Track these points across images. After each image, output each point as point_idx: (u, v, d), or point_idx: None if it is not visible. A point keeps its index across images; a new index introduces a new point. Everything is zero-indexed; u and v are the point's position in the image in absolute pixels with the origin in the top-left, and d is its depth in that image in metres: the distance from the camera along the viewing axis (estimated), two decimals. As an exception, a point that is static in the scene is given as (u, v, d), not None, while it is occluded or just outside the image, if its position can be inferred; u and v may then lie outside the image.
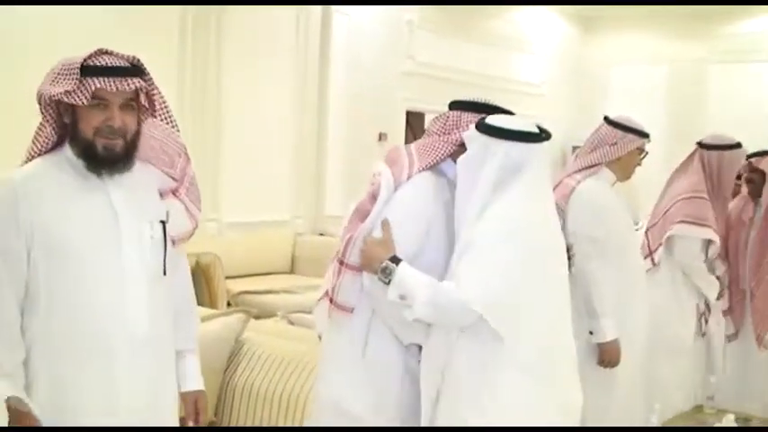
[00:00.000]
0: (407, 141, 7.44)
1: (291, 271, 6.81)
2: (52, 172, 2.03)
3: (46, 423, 1.98)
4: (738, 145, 3.70)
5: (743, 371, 3.88)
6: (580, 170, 3.27)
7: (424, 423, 2.14)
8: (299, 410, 2.78)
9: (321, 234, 7.10)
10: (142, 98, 2.07)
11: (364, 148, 7.30)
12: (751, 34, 9.09)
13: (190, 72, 6.15)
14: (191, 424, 2.25)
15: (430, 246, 2.18)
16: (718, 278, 3.71)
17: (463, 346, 2.05)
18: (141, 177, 2.12)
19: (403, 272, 2.04)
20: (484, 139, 2.09)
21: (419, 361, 2.22)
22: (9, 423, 1.95)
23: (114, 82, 1.97)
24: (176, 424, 2.21)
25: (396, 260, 2.06)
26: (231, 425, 2.95)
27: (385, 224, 2.13)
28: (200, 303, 2.48)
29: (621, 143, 3.25)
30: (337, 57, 7.32)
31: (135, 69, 2.01)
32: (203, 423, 2.29)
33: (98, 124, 1.99)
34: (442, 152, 2.24)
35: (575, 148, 7.99)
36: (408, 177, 2.21)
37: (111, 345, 2.00)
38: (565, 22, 10.04)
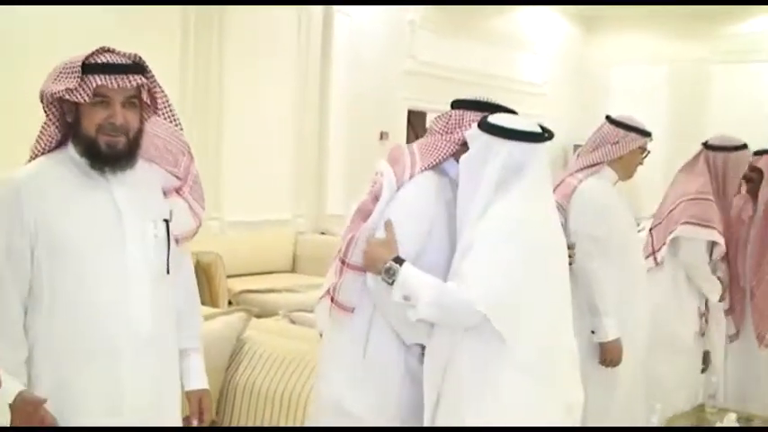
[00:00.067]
0: (409, 140, 7.44)
1: (293, 270, 6.82)
2: (56, 170, 2.03)
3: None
4: (744, 146, 3.69)
5: (744, 370, 3.88)
6: (582, 169, 3.27)
7: (426, 423, 2.14)
8: (300, 409, 2.78)
9: (322, 233, 7.11)
10: (144, 95, 2.07)
11: (366, 148, 7.30)
12: (752, 34, 9.09)
13: (192, 72, 6.16)
14: (195, 423, 2.25)
15: (432, 246, 2.17)
16: (719, 279, 3.71)
17: (466, 345, 2.05)
18: (145, 176, 2.12)
19: (407, 272, 2.03)
20: (486, 138, 2.09)
21: (420, 361, 2.22)
22: (12, 423, 1.94)
23: (115, 79, 1.97)
24: (180, 423, 2.21)
25: (399, 261, 2.05)
26: (232, 424, 2.95)
27: (388, 225, 2.13)
28: (201, 302, 2.48)
29: (623, 142, 3.25)
30: (339, 56, 7.32)
31: (137, 66, 2.02)
32: (208, 421, 2.29)
33: (100, 121, 1.99)
34: (445, 151, 2.24)
35: (576, 147, 7.98)
36: (410, 177, 2.20)
37: (115, 344, 2.00)
38: (566, 22, 10.04)
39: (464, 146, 2.18)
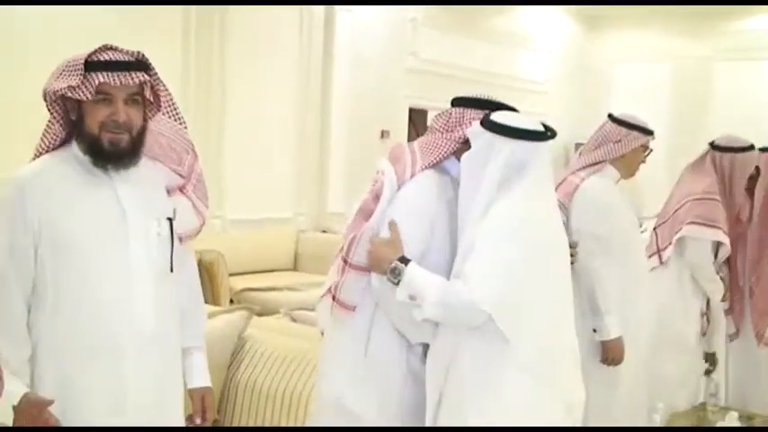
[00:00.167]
0: (410, 139, 7.42)
1: (294, 268, 6.82)
2: (60, 168, 2.03)
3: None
4: (751, 147, 3.68)
5: (744, 369, 3.88)
6: (584, 167, 3.26)
7: (428, 422, 2.13)
8: (301, 408, 2.78)
9: (324, 231, 7.11)
10: (147, 93, 2.06)
11: (367, 146, 7.30)
12: (755, 31, 9.07)
13: (193, 71, 6.16)
14: (198, 421, 2.25)
15: (434, 245, 2.17)
16: (722, 279, 3.71)
17: (468, 345, 2.04)
18: (149, 174, 2.12)
19: (412, 272, 2.03)
20: (488, 136, 2.08)
21: (422, 360, 2.21)
22: (15, 424, 1.94)
23: (118, 76, 1.97)
24: (182, 421, 2.21)
25: (404, 260, 2.05)
26: (234, 422, 2.95)
27: (392, 224, 2.12)
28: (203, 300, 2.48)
29: (626, 140, 3.24)
30: (340, 54, 7.32)
31: (139, 64, 2.01)
32: (210, 420, 2.29)
33: (103, 119, 1.99)
34: (445, 150, 2.23)
35: (578, 145, 7.97)
36: (411, 175, 2.20)
37: (118, 342, 2.00)
38: (569, 20, 10.03)
39: (465, 144, 2.18)
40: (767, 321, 3.69)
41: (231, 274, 5.78)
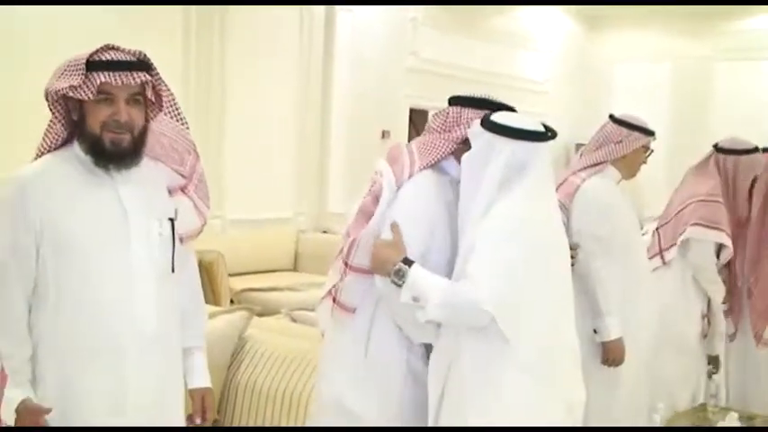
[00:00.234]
0: (411, 139, 7.38)
1: (294, 268, 6.82)
2: (61, 168, 2.03)
3: (53, 419, 1.98)
4: (755, 149, 3.67)
5: (744, 369, 3.87)
6: (585, 168, 3.26)
7: (430, 422, 2.13)
8: (301, 408, 2.78)
9: (324, 231, 7.11)
10: (149, 93, 2.06)
11: (367, 146, 7.30)
12: (755, 31, 9.07)
13: (193, 71, 6.16)
14: (198, 421, 2.25)
15: (434, 245, 2.17)
16: (723, 281, 3.71)
17: (468, 345, 2.04)
18: (150, 174, 2.12)
19: (416, 273, 2.03)
20: (489, 136, 2.08)
21: (422, 360, 2.21)
22: (15, 424, 1.96)
23: (120, 76, 1.97)
24: (183, 422, 2.21)
25: (408, 262, 2.05)
26: (234, 422, 2.95)
27: (394, 226, 2.11)
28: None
29: (627, 141, 3.24)
30: (341, 54, 7.31)
31: (141, 64, 2.01)
32: (210, 420, 2.29)
33: (104, 119, 1.99)
34: (443, 150, 2.22)
35: (578, 145, 7.98)
36: (410, 176, 2.19)
37: (120, 342, 2.00)
38: (569, 20, 10.03)
39: (463, 144, 2.17)
40: (766, 322, 3.69)
41: (231, 275, 5.78)
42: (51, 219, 1.98)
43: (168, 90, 2.13)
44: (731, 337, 3.85)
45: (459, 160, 2.21)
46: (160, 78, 2.08)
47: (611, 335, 3.11)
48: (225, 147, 6.39)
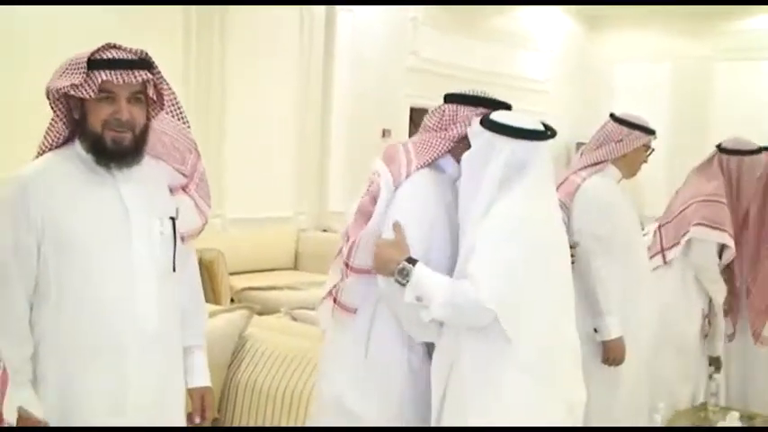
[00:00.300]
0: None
1: (295, 267, 6.82)
2: (63, 167, 2.03)
3: (54, 418, 1.99)
4: (759, 150, 3.67)
5: (744, 369, 3.87)
6: (586, 167, 3.26)
7: (433, 422, 2.13)
8: (302, 407, 2.78)
9: (324, 230, 7.11)
10: (150, 91, 2.06)
11: (368, 145, 7.29)
12: (755, 31, 9.07)
13: (194, 70, 6.16)
14: (197, 420, 2.25)
15: (434, 244, 2.16)
16: (725, 281, 3.71)
17: (468, 345, 2.04)
18: (152, 173, 2.12)
19: (419, 273, 2.02)
20: (489, 135, 2.08)
21: (423, 360, 2.21)
22: (17, 424, 1.97)
23: (121, 74, 1.97)
24: (183, 421, 2.21)
25: (412, 261, 2.04)
26: (234, 421, 2.95)
27: (396, 225, 2.10)
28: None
29: (627, 140, 3.24)
30: (341, 53, 7.31)
31: (142, 62, 2.01)
32: (210, 419, 2.29)
33: (106, 117, 1.99)
34: (440, 149, 2.21)
35: (579, 144, 7.97)
36: (407, 175, 2.18)
37: (121, 341, 2.00)
38: (569, 19, 10.02)
39: (459, 142, 2.17)
40: (764, 320, 3.69)
41: (231, 273, 5.78)
42: (53, 217, 1.97)
43: (170, 89, 2.13)
44: (730, 337, 3.85)
45: (455, 158, 2.20)
46: (162, 77, 2.08)
47: (612, 334, 3.11)
48: (225, 146, 6.39)
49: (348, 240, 2.20)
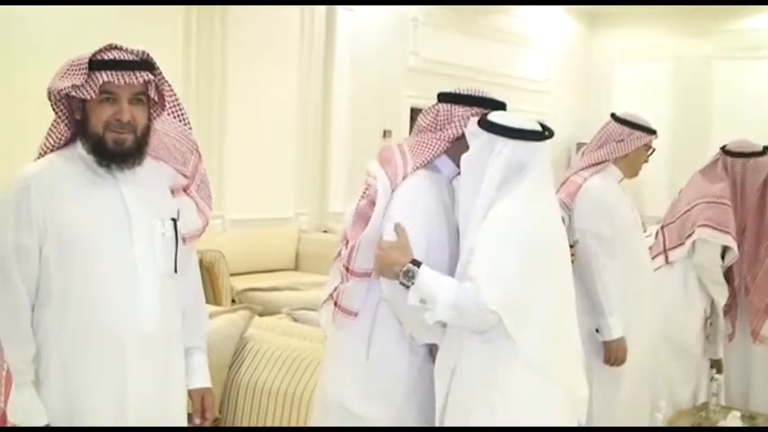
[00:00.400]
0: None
1: (295, 268, 6.81)
2: (65, 168, 2.03)
3: (56, 419, 1.99)
4: (763, 152, 3.66)
5: (744, 369, 3.87)
6: (587, 167, 3.26)
7: (437, 422, 2.13)
8: (303, 407, 2.78)
9: (325, 231, 7.10)
10: (152, 92, 2.06)
11: (368, 145, 7.26)
12: (756, 30, 9.07)
13: (194, 69, 6.16)
14: (198, 421, 2.25)
15: (433, 245, 2.16)
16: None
17: (473, 345, 2.04)
18: (153, 174, 2.12)
19: (424, 275, 2.01)
20: (487, 137, 2.07)
21: (425, 361, 2.21)
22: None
23: (122, 75, 1.97)
24: (185, 421, 2.21)
25: (416, 263, 2.03)
26: (236, 422, 2.95)
27: (399, 228, 2.09)
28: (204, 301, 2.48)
29: (629, 140, 3.24)
30: (342, 53, 7.31)
31: (144, 63, 2.01)
32: (210, 420, 2.29)
33: (107, 118, 1.99)
34: (436, 149, 2.20)
35: (579, 144, 7.97)
36: (404, 177, 2.17)
37: (122, 342, 2.00)
38: (570, 19, 10.02)
39: (455, 142, 2.17)
40: (763, 319, 3.68)
41: (232, 274, 5.78)
42: (55, 218, 1.97)
43: (171, 90, 2.13)
44: (730, 337, 3.85)
45: (452, 158, 2.20)
46: (163, 78, 2.08)
47: (614, 334, 3.10)
48: (226, 146, 6.39)
49: (347, 244, 2.19)
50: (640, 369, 3.23)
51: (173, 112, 2.17)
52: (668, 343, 3.54)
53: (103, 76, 1.96)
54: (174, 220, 2.11)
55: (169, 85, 2.11)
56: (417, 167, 2.18)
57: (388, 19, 7.73)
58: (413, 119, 8.19)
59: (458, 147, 2.15)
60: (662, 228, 3.77)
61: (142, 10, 5.54)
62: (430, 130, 2.23)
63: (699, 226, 3.57)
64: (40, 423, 1.98)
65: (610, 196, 3.20)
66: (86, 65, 1.96)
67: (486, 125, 2.09)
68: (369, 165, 2.25)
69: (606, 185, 3.21)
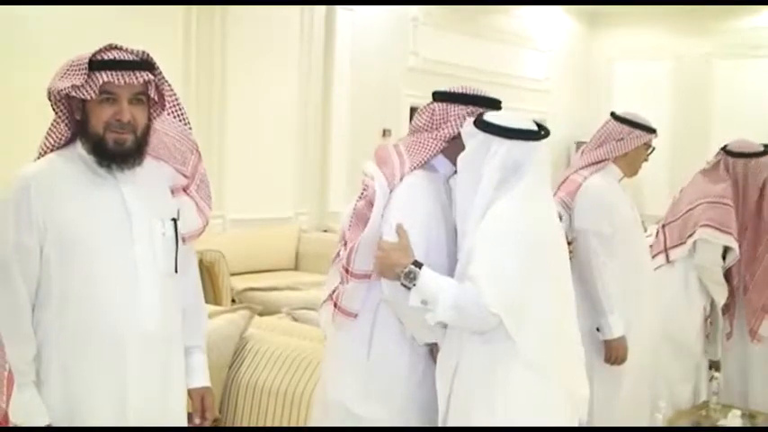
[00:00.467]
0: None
1: (296, 268, 6.81)
2: (65, 168, 2.03)
3: (58, 419, 1.99)
4: (764, 152, 3.66)
5: (742, 367, 3.87)
6: (587, 166, 3.26)
7: (440, 422, 2.13)
8: (303, 406, 2.78)
9: (325, 231, 7.10)
10: (152, 92, 2.06)
11: (368, 145, 7.24)
12: (756, 29, 9.07)
13: (194, 69, 6.16)
14: (197, 421, 2.25)
15: (432, 245, 2.15)
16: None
17: (473, 345, 2.04)
18: (153, 174, 2.12)
19: (425, 276, 2.01)
20: (483, 137, 2.07)
21: (425, 361, 2.21)
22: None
23: (122, 76, 1.97)
24: (185, 422, 2.21)
25: (417, 264, 2.03)
26: (236, 421, 2.95)
27: (400, 229, 2.09)
28: (204, 300, 2.48)
29: (628, 139, 3.24)
30: (342, 52, 7.31)
31: (144, 63, 2.01)
32: (210, 419, 2.29)
33: (107, 119, 1.99)
34: (433, 149, 2.20)
35: (579, 143, 7.97)
36: (401, 177, 2.16)
37: (123, 342, 2.00)
38: (570, 18, 10.02)
39: (451, 141, 2.16)
40: (760, 318, 3.69)
41: (232, 274, 5.78)
42: (55, 218, 1.97)
43: (171, 89, 2.13)
44: (728, 336, 3.85)
45: (448, 157, 2.20)
46: (163, 78, 2.08)
47: (614, 333, 3.10)
48: (226, 146, 6.39)
49: (346, 245, 2.19)
50: (641, 368, 3.23)
51: (173, 112, 2.17)
52: (668, 342, 3.55)
53: (103, 77, 1.96)
54: (175, 220, 2.11)
55: (169, 85, 2.11)
56: (415, 167, 2.18)
57: (388, 19, 7.73)
58: (413, 118, 8.21)
59: (454, 146, 2.15)
60: (663, 227, 3.77)
61: (142, 10, 5.54)
62: (426, 130, 2.22)
63: (701, 226, 3.57)
64: (41, 423, 1.98)
65: (610, 195, 3.20)
66: (86, 65, 1.96)
67: (481, 125, 2.08)
68: (365, 165, 2.24)
69: (606, 184, 3.21)
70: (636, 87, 9.50)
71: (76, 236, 1.98)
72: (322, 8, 7.11)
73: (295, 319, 3.79)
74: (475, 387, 2.04)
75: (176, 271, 2.10)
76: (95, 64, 1.96)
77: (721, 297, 3.68)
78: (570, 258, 2.29)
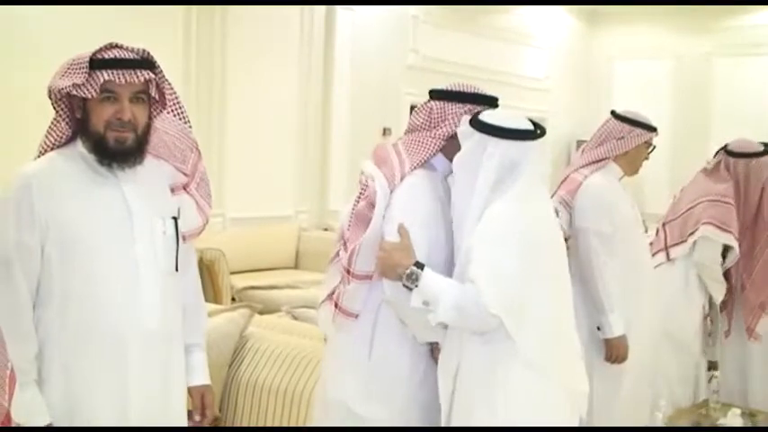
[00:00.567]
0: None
1: (296, 266, 6.81)
2: (66, 166, 2.03)
3: (59, 418, 1.99)
4: (765, 152, 3.66)
5: (741, 366, 3.87)
6: (587, 165, 3.26)
7: (443, 422, 2.13)
8: (303, 405, 2.78)
9: (325, 229, 7.10)
10: (153, 91, 2.06)
11: (368, 143, 7.24)
12: (756, 27, 9.05)
13: (194, 68, 6.16)
14: (198, 419, 2.25)
15: (432, 245, 2.14)
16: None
17: (474, 345, 2.05)
18: (154, 173, 2.12)
19: (427, 277, 2.01)
20: (479, 137, 2.06)
21: (426, 362, 2.21)
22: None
23: (123, 74, 1.97)
24: (185, 420, 2.21)
25: (419, 265, 2.03)
26: (236, 420, 2.95)
27: (402, 229, 2.09)
28: (204, 299, 2.48)
29: (629, 137, 3.24)
30: (342, 51, 7.31)
31: (144, 62, 2.01)
32: (210, 417, 2.29)
33: (108, 117, 1.99)
34: (432, 148, 2.19)
35: (579, 142, 7.97)
36: (401, 177, 2.16)
37: (124, 340, 2.00)
38: (570, 17, 10.01)
39: (450, 140, 2.16)
40: (757, 316, 3.69)
41: (232, 273, 5.78)
42: (56, 217, 1.97)
43: (172, 88, 2.13)
44: (726, 334, 3.86)
45: (446, 156, 2.19)
46: (164, 76, 2.08)
47: (615, 332, 3.11)
48: (226, 145, 6.39)
49: (346, 246, 2.18)
50: (641, 366, 3.23)
51: (173, 111, 2.18)
52: (668, 340, 3.55)
53: (104, 75, 1.96)
54: (175, 219, 2.11)
55: (169, 84, 2.11)
56: (414, 167, 2.17)
57: (388, 17, 7.73)
58: (410, 117, 8.20)
59: (452, 144, 2.14)
60: (663, 225, 3.77)
61: (142, 10, 5.54)
62: (424, 129, 2.22)
63: (702, 224, 3.57)
64: (42, 423, 1.98)
65: (610, 194, 3.20)
66: (87, 64, 1.96)
67: (477, 125, 2.08)
68: (363, 165, 2.23)
69: (606, 183, 3.21)
70: (636, 86, 9.49)
71: (77, 235, 1.98)
72: (322, 8, 7.11)
73: (295, 318, 3.79)
74: (475, 387, 2.05)
75: (177, 269, 2.10)
76: (96, 63, 1.96)
77: (719, 294, 3.69)
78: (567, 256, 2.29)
